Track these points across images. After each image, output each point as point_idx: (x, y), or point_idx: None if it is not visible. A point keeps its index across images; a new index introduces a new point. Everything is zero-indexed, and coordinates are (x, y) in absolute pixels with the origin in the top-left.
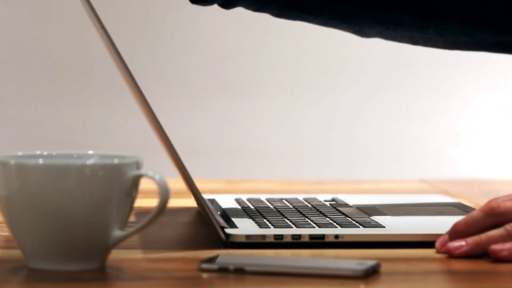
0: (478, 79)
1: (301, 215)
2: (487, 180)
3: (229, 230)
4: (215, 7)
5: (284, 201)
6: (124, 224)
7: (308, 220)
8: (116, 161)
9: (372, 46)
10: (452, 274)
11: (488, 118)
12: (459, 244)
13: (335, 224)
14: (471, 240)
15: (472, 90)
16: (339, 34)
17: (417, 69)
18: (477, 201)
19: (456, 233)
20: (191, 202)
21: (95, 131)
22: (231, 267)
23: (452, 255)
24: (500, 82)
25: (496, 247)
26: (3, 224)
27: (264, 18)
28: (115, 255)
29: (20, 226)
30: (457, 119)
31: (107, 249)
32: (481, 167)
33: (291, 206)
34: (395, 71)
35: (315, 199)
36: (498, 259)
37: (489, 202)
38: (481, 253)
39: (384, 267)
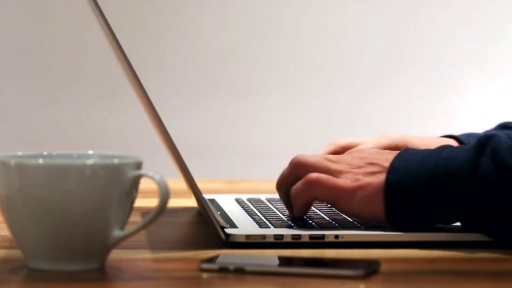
0: (477, 78)
1: None
2: None
3: (229, 230)
4: (215, 8)
5: None
6: (124, 224)
7: (308, 220)
8: (116, 161)
9: (370, 46)
10: (452, 274)
11: (486, 117)
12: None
13: (335, 224)
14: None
15: (470, 89)
16: (337, 35)
17: (415, 68)
18: None
19: (277, 188)
20: (191, 202)
21: (95, 131)
22: (231, 267)
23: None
24: (498, 82)
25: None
26: (3, 224)
27: (264, 19)
28: (115, 255)
29: (20, 226)
30: (455, 118)
31: (107, 249)
32: None
33: None
34: (393, 70)
35: None
36: (291, 196)
37: (295, 157)
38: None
39: (384, 267)
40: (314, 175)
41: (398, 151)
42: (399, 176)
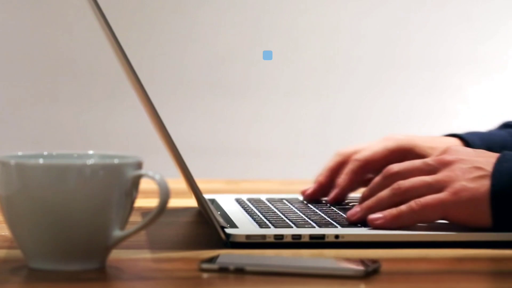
0: (474, 76)
1: (301, 215)
2: None
3: (229, 230)
4: (215, 8)
5: (284, 201)
6: (124, 224)
7: (308, 220)
8: (116, 161)
9: (368, 46)
10: (452, 274)
11: (484, 115)
12: (378, 216)
13: (335, 224)
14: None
15: (468, 88)
16: (335, 35)
17: (413, 68)
18: None
19: (363, 196)
20: (191, 202)
21: (95, 131)
22: (231, 267)
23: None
24: (496, 80)
25: (373, 216)
26: (3, 224)
27: (263, 20)
28: (115, 255)
29: (20, 226)
30: (453, 117)
31: (107, 249)
32: None
33: (291, 206)
34: (392, 70)
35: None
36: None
37: (391, 173)
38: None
39: (384, 267)
40: (418, 203)
41: (495, 154)
42: (504, 181)
